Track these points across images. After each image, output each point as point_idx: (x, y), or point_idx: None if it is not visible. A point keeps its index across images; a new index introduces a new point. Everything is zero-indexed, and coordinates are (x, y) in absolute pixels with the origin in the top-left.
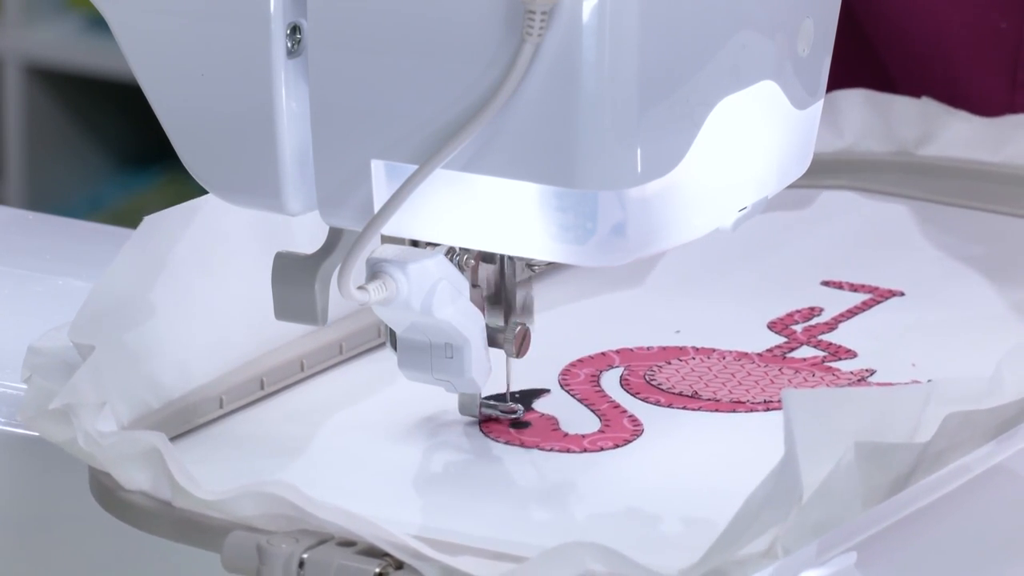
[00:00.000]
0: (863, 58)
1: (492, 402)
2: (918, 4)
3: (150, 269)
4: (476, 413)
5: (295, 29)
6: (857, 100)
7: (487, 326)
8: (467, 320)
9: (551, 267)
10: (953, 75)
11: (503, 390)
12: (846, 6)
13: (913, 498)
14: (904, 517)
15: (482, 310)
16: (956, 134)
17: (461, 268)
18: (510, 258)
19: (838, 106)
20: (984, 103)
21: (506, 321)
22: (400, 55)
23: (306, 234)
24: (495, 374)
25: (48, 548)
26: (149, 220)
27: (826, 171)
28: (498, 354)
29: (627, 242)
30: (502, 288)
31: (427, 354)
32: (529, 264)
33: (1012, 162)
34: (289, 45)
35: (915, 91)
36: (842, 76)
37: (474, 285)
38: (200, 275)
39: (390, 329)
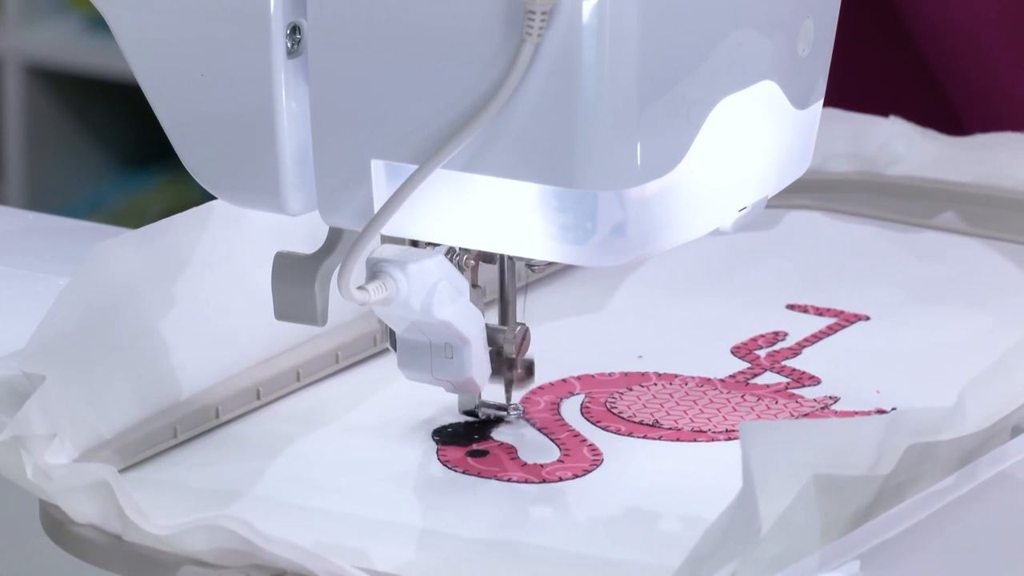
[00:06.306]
0: (904, 51)
1: (491, 404)
2: None
3: (101, 298)
4: (476, 413)
5: (295, 29)
6: (825, 119)
7: (487, 326)
8: (467, 320)
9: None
10: (988, 68)
11: (502, 392)
12: (886, 1)
13: (874, 532)
14: (865, 551)
15: (482, 310)
16: (925, 154)
17: (461, 268)
18: (510, 258)
19: None
20: (1020, 95)
21: (506, 321)
22: (400, 55)
23: (256, 260)
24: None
25: None
26: (98, 249)
27: (792, 190)
28: None
29: (627, 242)
30: (501, 288)
31: (427, 354)
32: (529, 264)
33: (981, 182)
34: (289, 45)
35: (951, 84)
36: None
37: (474, 285)
38: (154, 303)
39: (390, 329)
